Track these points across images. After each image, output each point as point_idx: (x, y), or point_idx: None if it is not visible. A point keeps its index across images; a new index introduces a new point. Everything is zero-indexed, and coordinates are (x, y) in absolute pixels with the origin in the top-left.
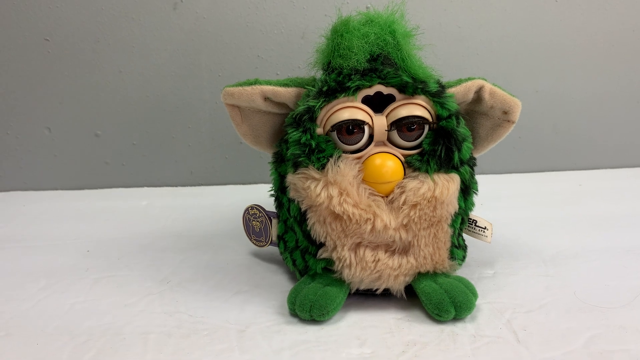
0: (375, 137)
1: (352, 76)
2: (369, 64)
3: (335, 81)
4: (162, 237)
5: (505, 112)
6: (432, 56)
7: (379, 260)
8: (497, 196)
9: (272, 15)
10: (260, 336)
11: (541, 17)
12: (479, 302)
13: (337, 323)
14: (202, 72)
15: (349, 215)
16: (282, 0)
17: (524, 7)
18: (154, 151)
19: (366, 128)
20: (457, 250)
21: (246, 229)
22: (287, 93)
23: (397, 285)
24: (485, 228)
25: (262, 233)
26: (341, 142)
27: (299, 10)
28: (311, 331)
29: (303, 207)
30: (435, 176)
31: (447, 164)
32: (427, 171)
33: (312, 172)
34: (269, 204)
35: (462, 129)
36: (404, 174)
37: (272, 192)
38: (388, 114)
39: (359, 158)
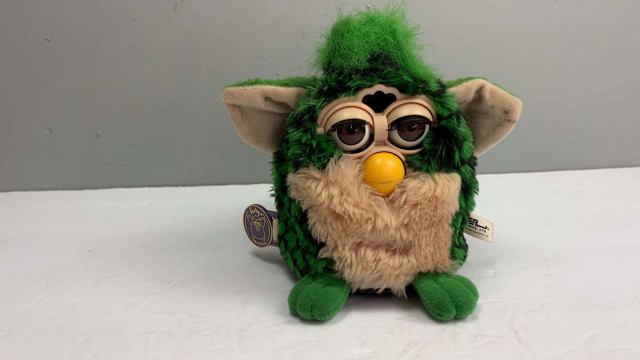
0: (376, 137)
1: (353, 76)
2: (369, 64)
3: (336, 81)
4: (162, 237)
5: (506, 112)
6: (432, 56)
7: (379, 259)
8: (498, 196)
9: (272, 15)
10: (261, 336)
11: (542, 16)
12: (480, 301)
13: (338, 323)
14: (202, 72)
15: (349, 215)
16: (283, 0)
17: (525, 6)
18: (154, 151)
19: (367, 127)
20: (458, 249)
21: (247, 228)
22: (287, 93)
23: (398, 284)
24: (486, 227)
25: (263, 233)
26: (342, 141)
27: (300, 10)
28: (312, 331)
29: (304, 207)
30: (436, 176)
31: (447, 164)
32: (427, 171)
33: (313, 171)
34: (270, 204)
35: (463, 129)
36: (405, 174)
37: (273, 192)
38: (389, 113)
39: (359, 158)
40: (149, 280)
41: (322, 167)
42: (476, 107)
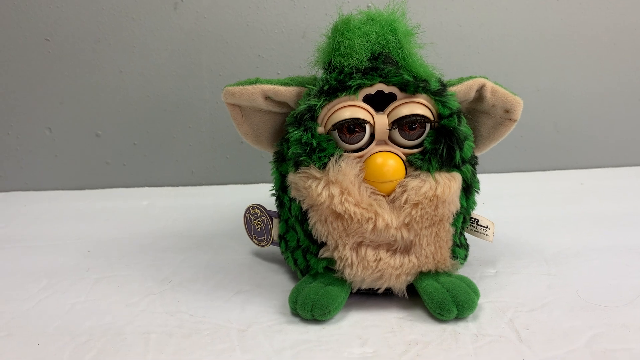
0: (377, 136)
1: (353, 75)
2: (370, 63)
3: (337, 80)
4: (163, 237)
5: (507, 111)
6: (433, 55)
7: (380, 259)
8: (499, 195)
9: (272, 15)
10: (262, 336)
11: (542, 15)
12: (481, 301)
13: (338, 322)
14: (202, 72)
15: (350, 215)
16: None
17: (525, 5)
18: (154, 151)
19: (367, 127)
20: (459, 249)
21: (247, 228)
22: (288, 92)
23: (399, 284)
24: (487, 227)
25: (263, 232)
26: (342, 141)
27: (300, 10)
28: (313, 331)
29: (304, 207)
30: (437, 175)
31: (448, 163)
32: (428, 170)
33: (314, 171)
34: (270, 204)
35: (464, 128)
36: (406, 173)
37: (273, 192)
38: (389, 112)
39: (360, 157)
40: (149, 280)
41: (323, 166)
42: (477, 106)
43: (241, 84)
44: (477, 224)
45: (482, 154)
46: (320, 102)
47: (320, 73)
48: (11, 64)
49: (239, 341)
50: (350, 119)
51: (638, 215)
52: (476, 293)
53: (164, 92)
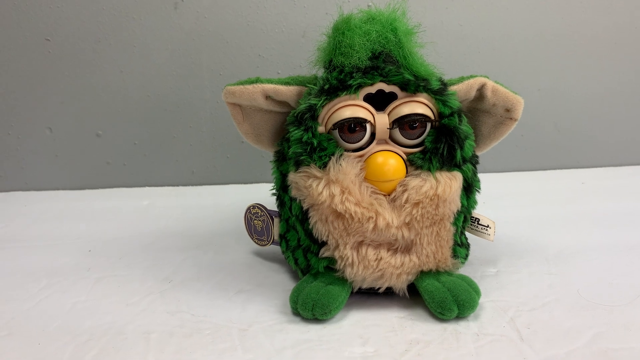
0: (377, 135)
1: (354, 74)
2: (370, 62)
3: (337, 79)
4: (163, 236)
5: (507, 110)
6: (433, 54)
7: (381, 258)
8: (500, 194)
9: (273, 14)
10: (263, 335)
11: (543, 15)
12: (482, 300)
13: (339, 322)
14: (203, 72)
15: (351, 214)
16: None
17: (526, 5)
18: (155, 151)
19: (368, 126)
20: (460, 248)
21: (248, 228)
22: (288, 91)
23: (400, 283)
24: (488, 226)
25: (264, 232)
26: (343, 140)
27: (300, 9)
28: (313, 330)
29: (305, 206)
30: (438, 174)
31: (449, 162)
32: (429, 169)
33: (314, 170)
34: (271, 203)
35: (465, 127)
36: (406, 172)
37: (274, 191)
38: (390, 112)
39: (360, 156)
40: (150, 280)
41: (323, 165)
42: (478, 105)
43: (242, 83)
44: (478, 223)
45: (483, 153)
46: (321, 102)
47: (320, 72)
48: (11, 64)
49: (240, 341)
50: (350, 118)
51: (639, 215)
52: (477, 292)
53: (164, 92)
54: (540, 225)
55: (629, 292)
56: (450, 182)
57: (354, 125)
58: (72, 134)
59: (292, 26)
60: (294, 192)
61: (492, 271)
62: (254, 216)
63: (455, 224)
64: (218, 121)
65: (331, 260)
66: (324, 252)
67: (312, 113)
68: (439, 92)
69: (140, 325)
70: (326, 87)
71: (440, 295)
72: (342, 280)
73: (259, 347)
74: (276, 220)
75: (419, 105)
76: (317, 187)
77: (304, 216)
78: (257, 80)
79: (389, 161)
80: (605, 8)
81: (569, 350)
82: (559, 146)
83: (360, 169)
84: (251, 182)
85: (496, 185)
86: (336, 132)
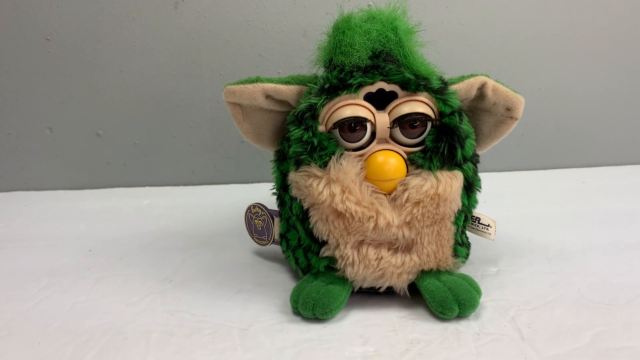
0: (378, 135)
1: (354, 73)
2: (371, 61)
3: (337, 78)
4: (163, 236)
5: (508, 109)
6: (434, 53)
7: (382, 258)
8: (501, 194)
9: (273, 14)
10: (263, 335)
11: (543, 14)
12: (482, 299)
13: (340, 321)
14: (203, 71)
15: (351, 213)
16: None
17: (527, 4)
18: (155, 151)
19: (368, 125)
20: (461, 247)
21: (248, 227)
22: (288, 91)
23: (401, 283)
24: (488, 225)
25: (265, 231)
26: (343, 139)
27: (300, 9)
28: (314, 330)
29: (305, 205)
30: (438, 173)
31: (450, 161)
32: (430, 168)
33: (315, 170)
34: (271, 203)
35: (465, 126)
36: (407, 172)
37: (274, 191)
38: (390, 111)
39: (361, 156)
40: (150, 280)
41: (324, 165)
42: (478, 104)
43: (242, 82)
44: (478, 223)
45: (484, 152)
46: (321, 101)
47: (321, 71)
48: (11, 63)
49: (240, 340)
50: (351, 117)
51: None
52: (478, 291)
53: (164, 92)
54: (541, 225)
55: (630, 291)
56: (451, 181)
57: (355, 125)
58: (72, 134)
59: (293, 25)
60: (294, 192)
61: (493, 270)
62: (254, 216)
63: (456, 223)
64: (218, 121)
65: (332, 260)
66: (325, 252)
67: (313, 112)
68: (440, 91)
69: (141, 325)
70: (326, 86)
71: (441, 295)
72: (343, 280)
73: (260, 346)
74: (277, 219)
75: (420, 104)
76: (318, 186)
77: (304, 215)
78: (258, 80)
79: (390, 160)
80: (605, 7)
81: (570, 349)
82: (559, 145)
83: (361, 168)
84: (251, 182)
85: (497, 185)
86: (336, 132)
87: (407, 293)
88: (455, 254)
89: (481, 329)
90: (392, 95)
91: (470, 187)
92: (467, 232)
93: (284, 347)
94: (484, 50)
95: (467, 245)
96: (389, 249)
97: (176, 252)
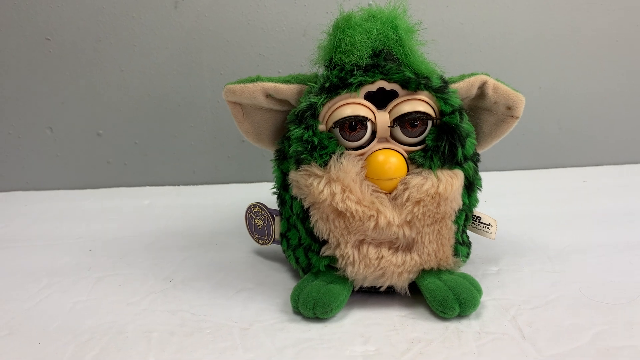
0: (378, 134)
1: (355, 72)
2: (371, 60)
3: (338, 77)
4: (164, 236)
5: (509, 108)
6: (434, 52)
7: (382, 257)
8: (501, 193)
9: (273, 13)
10: (264, 334)
11: (544, 13)
12: (483, 298)
13: (340, 321)
14: (203, 71)
15: (352, 212)
16: None
17: (527, 3)
18: (155, 150)
19: (369, 124)
20: (461, 246)
21: (249, 227)
22: (289, 90)
23: (401, 282)
24: (489, 224)
25: (265, 231)
26: (344, 138)
27: (300, 8)
28: (315, 329)
29: (306, 205)
30: (439, 172)
31: (450, 160)
32: (430, 167)
33: (315, 169)
34: (272, 202)
35: (466, 125)
36: (407, 171)
37: (275, 190)
38: (391, 110)
39: (361, 155)
40: (150, 279)
41: (324, 164)
42: (479, 103)
43: (242, 82)
44: (479, 222)
45: (484, 151)
46: (322, 100)
47: (321, 71)
48: (12, 63)
49: (241, 340)
50: (351, 116)
51: None
52: (479, 291)
53: (165, 91)
54: (541, 224)
55: (631, 290)
56: (452, 180)
57: (355, 124)
58: (73, 134)
59: (293, 25)
60: (294, 191)
61: (493, 269)
62: (254, 215)
63: (456, 222)
64: (219, 120)
65: (332, 259)
66: (325, 251)
67: (313, 111)
68: (440, 90)
69: (141, 324)
70: (327, 85)
71: (441, 294)
72: (343, 279)
73: (260, 346)
74: (277, 219)
75: (420, 103)
76: (318, 185)
77: (304, 215)
78: (258, 79)
79: (390, 159)
80: (606, 7)
81: (571, 348)
82: (560, 144)
83: (361, 168)
84: (252, 181)
85: (497, 184)
86: (337, 131)
87: (408, 292)
88: (456, 253)
89: (482, 328)
90: (393, 94)
91: (471, 186)
92: (468, 231)
93: (284, 347)
94: (484, 49)
95: (468, 245)
96: (389, 248)
97: (177, 252)
